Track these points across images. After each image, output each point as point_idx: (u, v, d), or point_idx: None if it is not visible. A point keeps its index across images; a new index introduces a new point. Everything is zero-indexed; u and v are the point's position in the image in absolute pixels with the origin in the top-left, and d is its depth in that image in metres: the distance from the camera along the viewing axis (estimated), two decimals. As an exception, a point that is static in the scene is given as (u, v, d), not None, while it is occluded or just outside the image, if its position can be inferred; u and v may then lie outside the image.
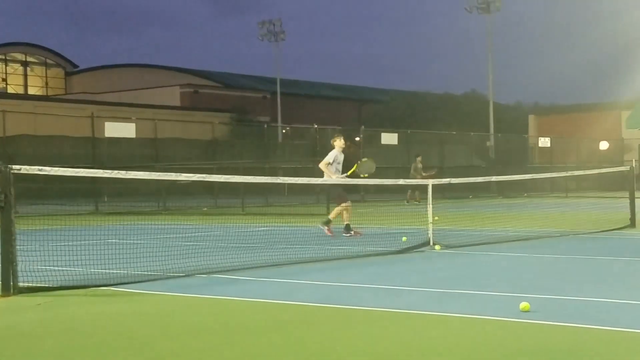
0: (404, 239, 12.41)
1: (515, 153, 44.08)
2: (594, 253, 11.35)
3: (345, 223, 14.10)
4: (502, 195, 34.97)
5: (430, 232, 11.91)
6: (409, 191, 28.82)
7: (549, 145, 43.63)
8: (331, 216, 14.42)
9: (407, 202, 28.10)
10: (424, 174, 27.90)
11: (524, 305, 6.48)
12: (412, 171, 28.85)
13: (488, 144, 45.40)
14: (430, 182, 12.59)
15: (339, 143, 14.55)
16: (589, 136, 46.29)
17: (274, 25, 56.46)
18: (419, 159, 29.79)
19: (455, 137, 40.89)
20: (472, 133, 42.14)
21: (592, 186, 38.07)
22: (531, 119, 55.23)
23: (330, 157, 14.28)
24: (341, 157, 14.49)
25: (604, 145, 45.97)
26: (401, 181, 14.51)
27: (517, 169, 34.90)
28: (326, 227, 14.10)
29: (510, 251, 11.50)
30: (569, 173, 20.99)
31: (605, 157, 43.66)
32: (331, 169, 14.18)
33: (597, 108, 50.80)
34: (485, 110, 50.03)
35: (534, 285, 8.15)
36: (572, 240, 13.36)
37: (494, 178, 18.88)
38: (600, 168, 26.21)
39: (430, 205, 12.12)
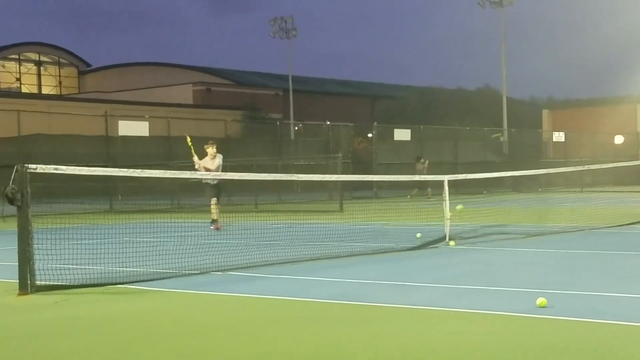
0: (418, 235, 12.39)
1: (529, 148, 43.84)
2: (610, 248, 11.28)
3: (214, 218, 15.67)
4: (516, 190, 34.81)
5: (447, 228, 11.88)
6: (416, 189, 28.79)
7: (563, 139, 43.36)
8: (213, 215, 15.76)
9: (411, 197, 28.08)
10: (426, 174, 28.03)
11: (541, 300, 6.46)
12: (416, 171, 28.88)
13: (502, 139, 45.18)
14: (445, 177, 12.55)
15: (210, 151, 15.85)
16: (603, 130, 45.98)
17: (285, 22, 56.38)
18: (421, 160, 29.71)
19: (469, 132, 40.74)
20: (485, 128, 41.96)
21: (607, 180, 37.83)
22: (545, 113, 54.92)
23: (198, 165, 15.74)
24: (213, 163, 15.76)
25: (619, 139, 45.64)
26: (416, 177, 14.48)
27: (531, 164, 34.72)
28: (213, 225, 15.59)
29: (525, 247, 11.45)
30: (584, 167, 20.83)
31: (620, 151, 43.34)
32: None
33: (611, 102, 50.46)
34: (498, 105, 49.80)
35: (550, 280, 8.12)
36: (588, 235, 13.29)
37: (509, 173, 18.79)
38: (615, 162, 26.04)
39: (447, 201, 12.09)
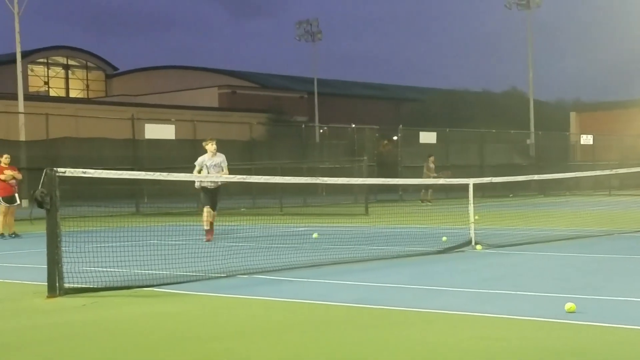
0: (444, 239, 12.32)
1: (557, 151, 43.43)
2: (639, 252, 11.12)
3: (205, 228, 13.89)
4: (543, 193, 34.51)
5: (472, 231, 11.80)
6: (422, 191, 28.45)
7: (591, 142, 42.90)
8: (204, 224, 14.00)
9: (422, 201, 27.77)
10: (435, 174, 27.67)
11: (569, 306, 6.38)
12: (424, 170, 28.45)
13: (528, 142, 44.82)
14: (471, 181, 12.47)
15: (210, 147, 14.01)
16: (632, 133, 45.41)
17: (310, 25, 56.51)
18: (431, 159, 29.31)
19: (495, 135, 40.48)
20: (512, 131, 41.65)
21: (636, 184, 37.31)
22: (573, 116, 54.36)
23: (196, 164, 14.03)
24: (212, 161, 13.96)
25: (648, 142, 45.02)
26: (441, 180, 14.40)
27: (558, 167, 34.39)
28: (206, 237, 13.80)
29: (553, 251, 11.34)
30: (613, 171, 20.58)
31: (649, 154, 42.76)
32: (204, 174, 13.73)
33: (640, 104, 49.81)
34: (525, 108, 49.42)
35: (579, 285, 8.02)
36: (617, 239, 13.12)
37: (536, 177, 18.60)
38: (644, 165, 25.67)
39: (472, 205, 12.01)
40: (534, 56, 49.03)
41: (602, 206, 22.21)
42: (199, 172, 13.79)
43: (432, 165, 28.80)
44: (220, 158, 13.99)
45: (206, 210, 13.89)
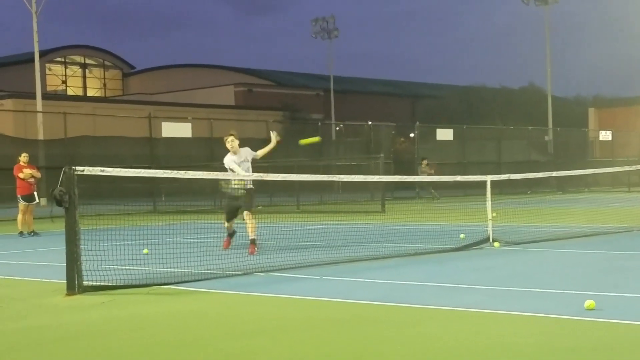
0: (462, 236, 12.27)
1: (575, 147, 43.13)
2: (659, 249, 11.02)
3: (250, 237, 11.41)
4: (562, 190, 34.28)
5: (489, 228, 11.75)
6: (432, 191, 28.65)
7: (610, 138, 42.57)
8: (251, 234, 11.42)
9: (434, 199, 27.88)
10: (432, 172, 27.90)
11: (589, 303, 6.33)
12: (419, 174, 28.45)
13: (546, 138, 44.53)
14: (488, 177, 12.40)
15: (228, 146, 11.69)
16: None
17: (327, 22, 56.43)
18: (424, 162, 29.30)
19: (513, 131, 40.25)
20: (529, 127, 41.40)
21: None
22: (591, 112, 53.93)
23: (226, 166, 11.66)
24: (239, 158, 11.66)
25: (667, 138, 44.61)
26: (459, 177, 14.34)
27: (576, 163, 34.15)
28: (252, 247, 11.30)
29: (572, 248, 11.26)
30: (632, 167, 20.38)
31: (668, 150, 42.37)
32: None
33: (659, 100, 49.34)
34: (543, 104, 49.11)
35: (598, 282, 7.96)
36: (637, 236, 13.01)
37: (554, 173, 18.48)
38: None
39: (489, 202, 11.95)
40: (551, 52, 48.68)
41: (621, 202, 22.02)
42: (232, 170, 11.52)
43: (424, 169, 28.74)
44: (246, 152, 11.77)
45: (226, 223, 11.83)
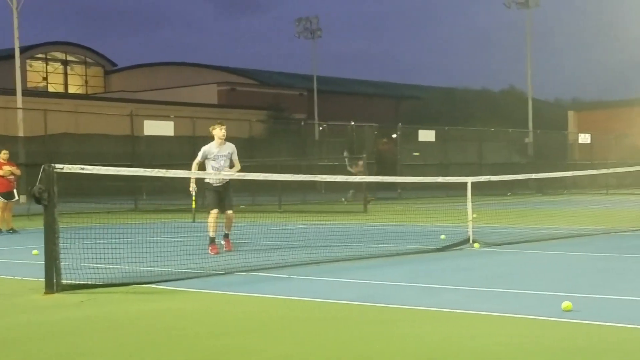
0: (442, 237, 12.34)
1: (555, 150, 43.50)
2: (637, 251, 11.14)
3: (210, 235, 11.22)
4: (541, 192, 34.54)
5: (470, 230, 11.82)
6: (352, 191, 27.23)
7: (589, 141, 42.96)
8: (209, 231, 11.26)
9: (345, 201, 26.70)
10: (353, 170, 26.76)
11: (566, 304, 6.39)
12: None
13: (527, 140, 44.85)
14: (469, 179, 12.48)
15: (217, 133, 11.34)
16: (630, 132, 45.46)
17: (310, 22, 56.46)
18: (360, 163, 28.03)
19: (494, 133, 40.51)
20: (510, 130, 41.69)
21: (633, 183, 37.39)
22: (571, 115, 54.39)
23: (199, 154, 11.40)
24: (221, 151, 11.37)
25: (645, 141, 45.11)
26: (440, 179, 14.41)
27: (556, 165, 34.43)
28: (209, 247, 11.11)
29: (550, 249, 11.35)
30: (610, 170, 20.62)
31: (646, 153, 42.84)
32: (208, 167, 11.33)
33: (639, 103, 49.84)
34: (523, 107, 49.45)
35: (576, 284, 8.04)
36: (614, 238, 13.14)
37: (534, 175, 18.63)
38: (642, 165, 25.70)
39: (470, 203, 12.03)
40: (532, 55, 49.04)
41: (600, 205, 22.25)
42: (200, 163, 11.38)
43: (359, 168, 27.28)
44: (230, 148, 11.43)
45: (214, 213, 11.26)
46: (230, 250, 11.03)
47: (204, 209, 14.48)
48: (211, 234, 11.17)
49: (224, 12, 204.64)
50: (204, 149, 11.37)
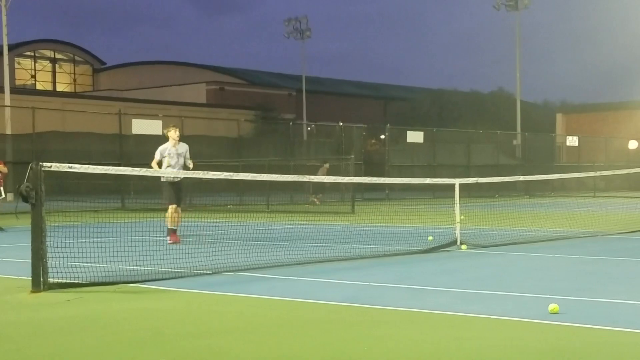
0: (430, 238, 12.37)
1: (543, 152, 43.70)
2: (623, 254, 11.22)
3: (169, 227, 12.60)
4: (529, 194, 34.68)
5: (457, 231, 11.86)
6: (320, 195, 27.33)
7: (576, 144, 43.18)
8: (168, 224, 12.71)
9: (315, 202, 26.71)
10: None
11: (553, 307, 6.42)
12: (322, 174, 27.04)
13: (515, 142, 45.03)
14: (457, 181, 12.52)
15: (172, 134, 12.80)
16: (618, 135, 45.75)
17: (299, 22, 56.47)
18: (326, 165, 27.96)
19: (482, 135, 40.64)
20: (498, 132, 41.85)
21: (620, 186, 37.65)
22: (559, 117, 54.69)
23: (157, 154, 12.75)
24: (176, 150, 12.73)
25: (633, 144, 45.42)
26: (427, 180, 14.44)
27: (544, 168, 34.58)
28: (169, 237, 12.52)
29: (537, 252, 11.40)
30: (598, 173, 20.74)
31: (634, 156, 43.13)
32: (163, 166, 12.60)
33: (626, 107, 50.18)
34: (512, 109, 49.65)
35: (562, 286, 8.08)
36: (601, 241, 13.22)
37: (522, 177, 18.71)
38: (629, 168, 25.88)
39: (457, 205, 12.06)
40: (521, 57, 49.23)
41: (587, 207, 22.36)
42: (159, 162, 12.61)
43: (325, 170, 27.15)
44: (184, 148, 12.78)
45: (172, 208, 12.58)
46: (176, 242, 12.27)
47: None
48: (169, 225, 12.59)
49: (213, 11, 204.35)
50: (160, 148, 12.74)
